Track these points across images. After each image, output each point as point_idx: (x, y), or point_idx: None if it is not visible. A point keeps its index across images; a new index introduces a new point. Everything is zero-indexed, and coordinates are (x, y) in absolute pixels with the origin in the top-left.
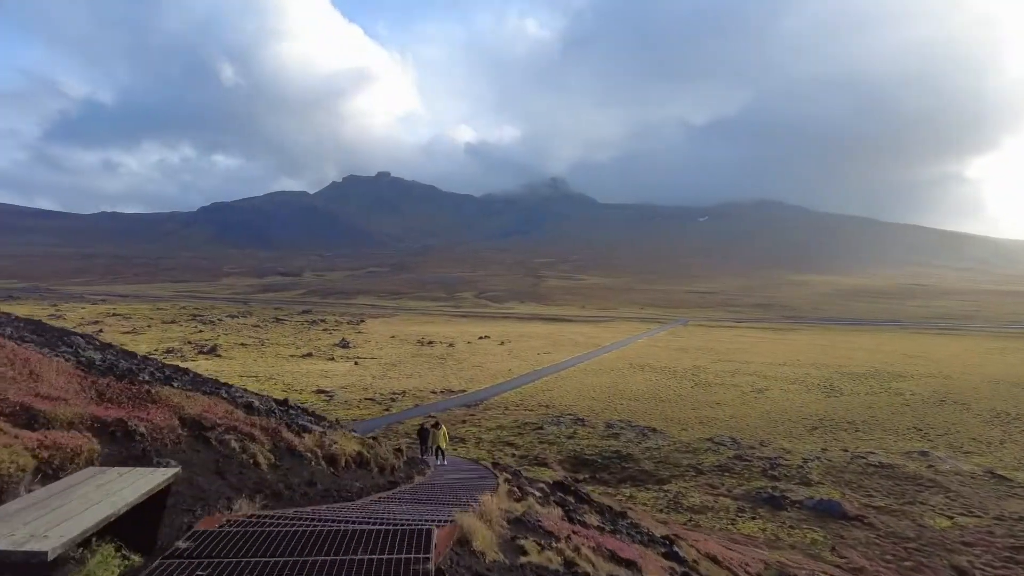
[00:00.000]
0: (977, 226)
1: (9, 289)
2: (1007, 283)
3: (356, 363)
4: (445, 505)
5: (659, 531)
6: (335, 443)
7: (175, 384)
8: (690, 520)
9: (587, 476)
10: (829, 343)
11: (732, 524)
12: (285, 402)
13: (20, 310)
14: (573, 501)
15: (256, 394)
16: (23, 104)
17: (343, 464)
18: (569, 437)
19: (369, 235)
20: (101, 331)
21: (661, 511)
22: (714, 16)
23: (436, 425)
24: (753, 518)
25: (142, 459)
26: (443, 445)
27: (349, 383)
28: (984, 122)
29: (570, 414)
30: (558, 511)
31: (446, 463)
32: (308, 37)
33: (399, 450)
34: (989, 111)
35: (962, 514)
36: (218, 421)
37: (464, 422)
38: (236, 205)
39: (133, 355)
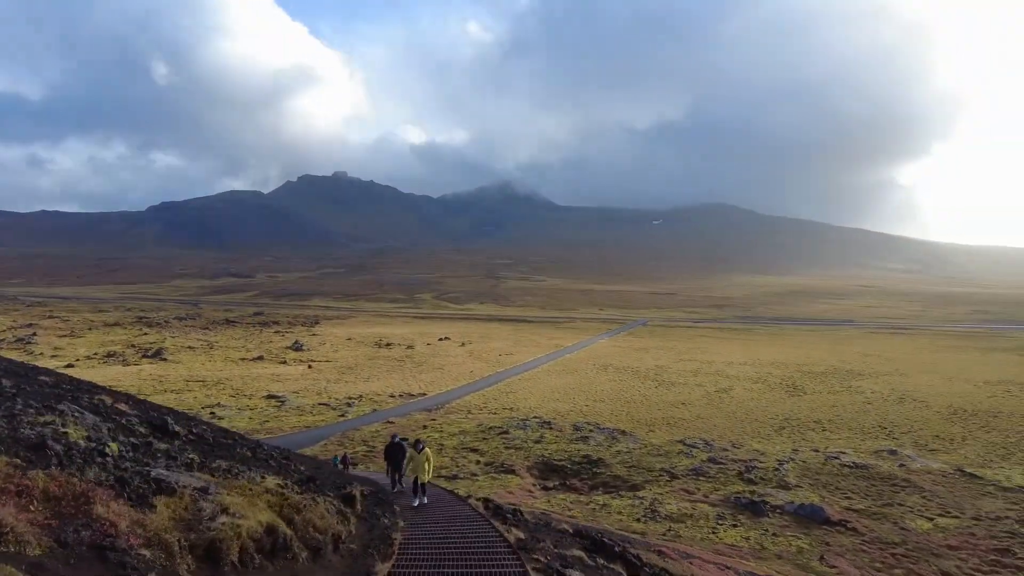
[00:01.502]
0: (914, 230)
1: None
2: (947, 285)
3: (310, 366)
4: None
5: None
6: (222, 514)
7: None
8: (669, 530)
9: (557, 483)
10: (786, 342)
11: (713, 533)
12: (163, 425)
13: None
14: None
15: (117, 405)
16: None
17: (233, 559)
18: (536, 441)
19: (325, 236)
20: (35, 334)
21: (638, 520)
22: (653, 21)
23: (417, 445)
24: (735, 525)
25: None
26: (425, 479)
27: (302, 387)
28: (915, 129)
29: (536, 417)
30: None
31: (426, 500)
32: (250, 34)
33: (349, 500)
34: (920, 119)
35: (941, 515)
36: None
37: (425, 427)
38: (186, 204)
39: None
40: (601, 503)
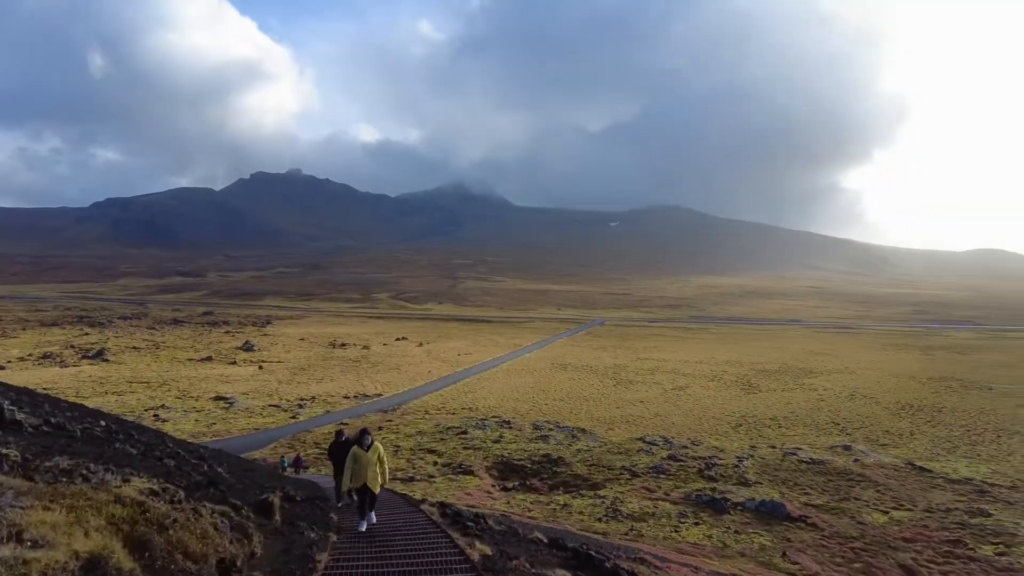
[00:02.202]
0: (858, 232)
1: None
2: (889, 286)
3: (261, 367)
4: None
5: None
6: (8, 543)
7: None
8: (631, 529)
9: (517, 484)
10: (739, 341)
11: (676, 532)
12: None
13: None
14: None
15: None
16: None
17: None
18: (495, 441)
19: (279, 234)
20: None
21: (599, 520)
22: (603, 23)
23: (363, 439)
24: (696, 523)
25: None
26: (377, 488)
27: (252, 389)
28: (859, 136)
29: (495, 416)
30: None
31: (375, 520)
32: (195, 27)
33: (264, 510)
34: (863, 125)
35: (895, 508)
36: None
37: (381, 428)
38: (133, 201)
39: None
40: (562, 503)
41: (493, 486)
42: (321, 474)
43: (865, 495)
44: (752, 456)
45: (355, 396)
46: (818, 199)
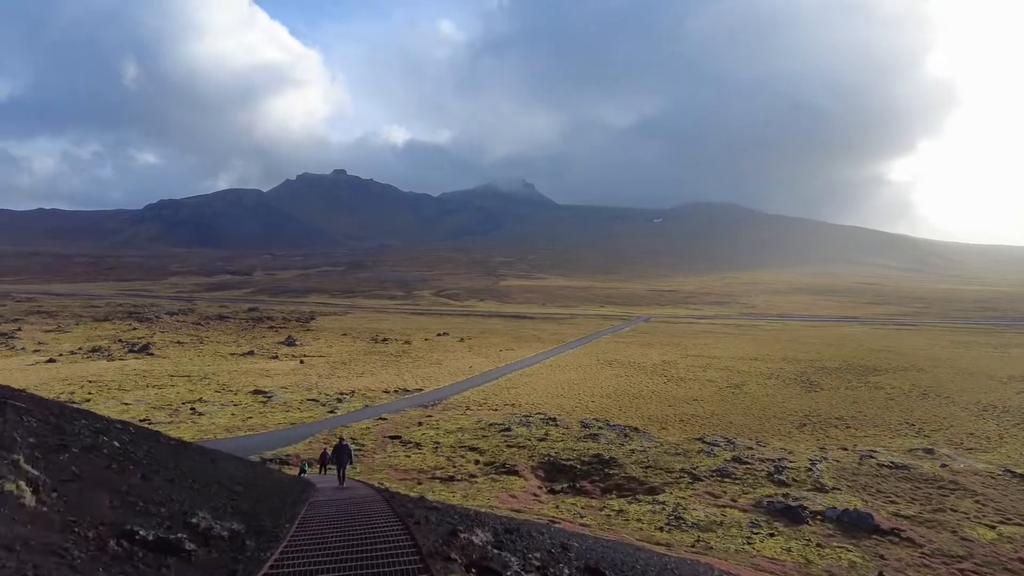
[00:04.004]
0: (907, 227)
1: None
2: (950, 282)
3: (301, 361)
4: None
5: None
6: None
7: None
8: (698, 540)
9: (566, 486)
10: (793, 338)
11: (748, 543)
12: None
13: None
14: None
15: None
16: None
17: None
18: (541, 439)
19: (324, 234)
20: (19, 330)
21: (660, 529)
22: (623, 17)
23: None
24: (771, 534)
25: None
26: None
27: (291, 383)
28: (901, 125)
29: (539, 413)
30: None
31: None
32: (228, 34)
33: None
34: (906, 115)
35: (1002, 522)
36: None
37: (420, 424)
38: (185, 203)
39: None
40: (617, 509)
41: (540, 488)
42: (355, 470)
43: (963, 506)
44: (825, 459)
45: (395, 391)
46: (862, 192)
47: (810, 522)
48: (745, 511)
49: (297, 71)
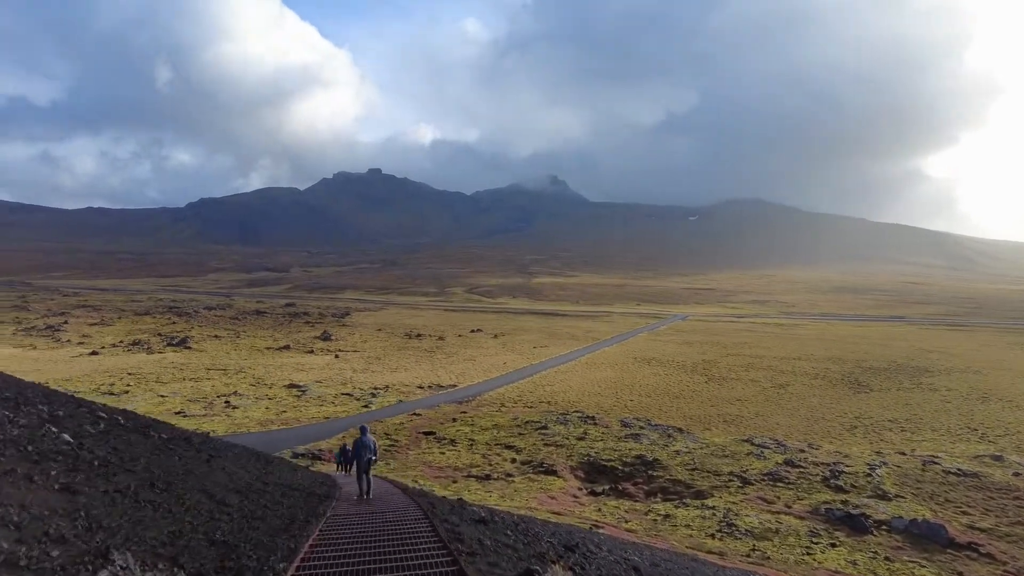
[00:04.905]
0: (948, 223)
1: None
2: (1002, 282)
3: (337, 356)
4: None
5: None
6: None
7: None
8: (753, 550)
9: (607, 487)
10: (837, 337)
11: (808, 554)
12: None
13: None
14: None
15: None
16: None
17: None
18: (579, 438)
19: (359, 232)
20: (66, 323)
21: (712, 536)
22: (647, 13)
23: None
24: (833, 544)
25: None
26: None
27: (326, 377)
28: (940, 118)
29: (577, 411)
30: None
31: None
32: (259, 36)
33: None
34: (941, 107)
35: None
36: None
37: (455, 420)
38: (224, 201)
39: None
40: (663, 513)
41: (580, 489)
42: (389, 467)
43: None
44: (885, 464)
45: (429, 386)
46: (899, 188)
47: (875, 532)
48: (802, 518)
49: (327, 71)
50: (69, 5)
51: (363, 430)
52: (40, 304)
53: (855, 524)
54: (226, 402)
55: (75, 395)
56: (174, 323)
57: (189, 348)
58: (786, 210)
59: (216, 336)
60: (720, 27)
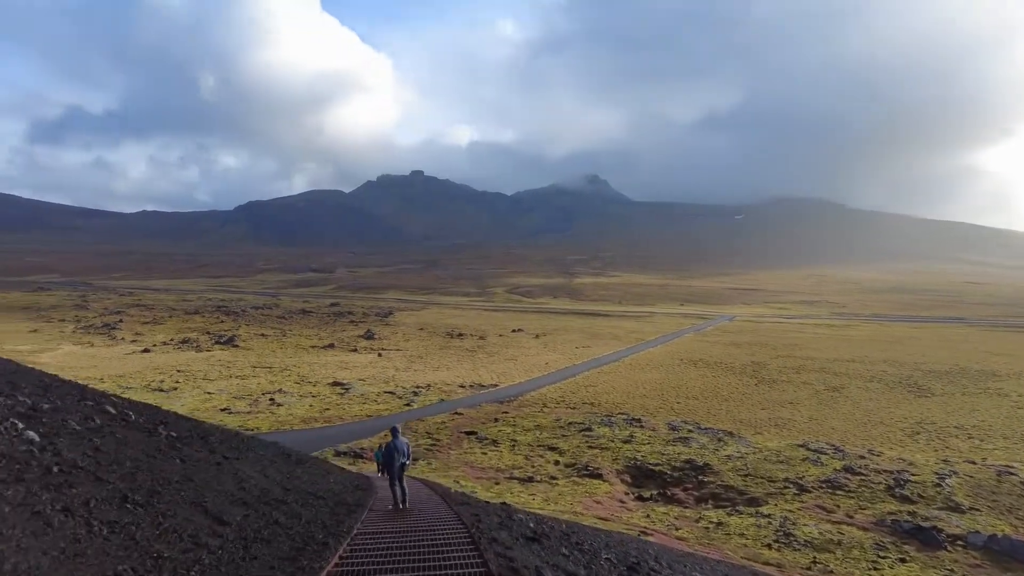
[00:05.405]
0: (1007, 221)
1: (46, 282)
2: None
3: (379, 355)
4: None
5: None
6: None
7: None
8: (815, 562)
9: (655, 492)
10: (893, 339)
11: (875, 569)
12: None
13: (46, 300)
14: None
15: None
16: (16, 112)
17: None
18: (625, 441)
19: (402, 233)
20: (121, 321)
21: (769, 547)
22: (685, 9)
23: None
24: (903, 560)
25: None
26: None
27: (369, 375)
28: (996, 111)
29: (621, 413)
30: None
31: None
32: (300, 42)
33: None
34: (999, 99)
35: None
36: None
37: (496, 420)
38: (271, 204)
39: None
40: (715, 521)
41: (626, 494)
42: (431, 467)
43: None
44: (955, 473)
45: (470, 385)
46: (954, 184)
47: (949, 548)
48: (865, 529)
49: (366, 75)
50: (119, 19)
51: (394, 432)
52: (98, 303)
53: (926, 538)
54: (271, 399)
55: (87, 386)
56: (222, 322)
57: (236, 346)
58: (834, 208)
59: (263, 335)
60: (764, 19)
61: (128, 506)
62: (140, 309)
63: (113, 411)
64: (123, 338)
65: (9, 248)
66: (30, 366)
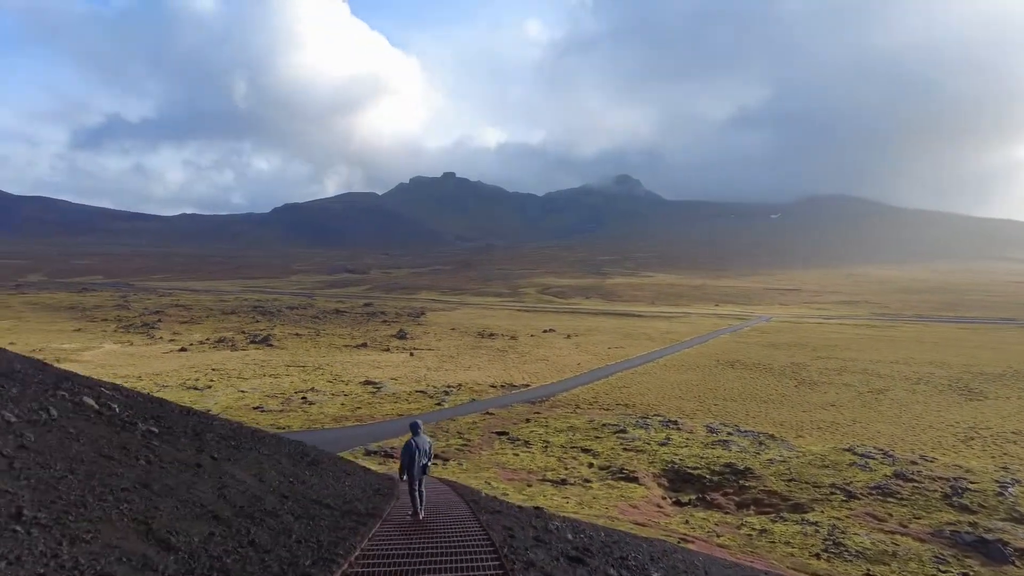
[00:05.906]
0: None
1: (90, 283)
2: None
3: (411, 354)
4: None
5: None
6: None
7: None
8: (867, 575)
9: (694, 497)
10: (939, 340)
11: None
12: None
13: (90, 300)
14: None
15: None
16: (58, 120)
17: None
18: (661, 444)
19: (435, 234)
20: (160, 321)
21: (817, 557)
22: (712, 5)
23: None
24: (965, 574)
25: None
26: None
27: (401, 374)
28: None
29: (657, 415)
30: None
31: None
32: (329, 47)
33: None
34: None
35: None
36: None
37: (528, 421)
38: (306, 206)
39: None
40: (759, 528)
41: (664, 498)
42: (461, 467)
43: None
44: (1018, 482)
45: (502, 385)
46: (1003, 180)
47: (1016, 563)
48: (922, 540)
49: (396, 78)
50: (155, 29)
51: (415, 428)
52: (138, 304)
53: (991, 551)
54: (303, 398)
55: (74, 375)
56: (258, 322)
57: (271, 346)
58: (873, 206)
59: (297, 334)
60: (796, 10)
61: (16, 527)
62: (178, 309)
63: (92, 402)
64: (161, 337)
65: (58, 251)
66: (10, 350)
